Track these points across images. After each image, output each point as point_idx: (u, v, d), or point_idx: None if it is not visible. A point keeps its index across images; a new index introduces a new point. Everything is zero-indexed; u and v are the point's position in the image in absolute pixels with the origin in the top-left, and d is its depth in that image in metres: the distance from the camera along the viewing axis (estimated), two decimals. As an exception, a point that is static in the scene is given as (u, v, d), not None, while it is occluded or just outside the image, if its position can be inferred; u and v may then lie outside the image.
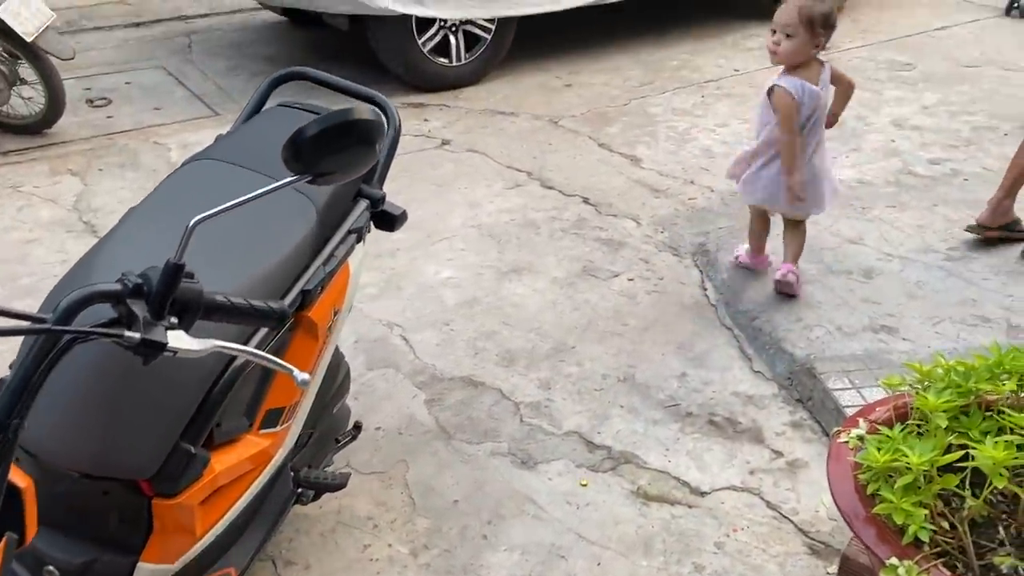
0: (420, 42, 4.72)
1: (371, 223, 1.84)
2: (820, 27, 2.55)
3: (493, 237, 3.36)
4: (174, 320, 1.05)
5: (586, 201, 3.66)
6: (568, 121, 4.51)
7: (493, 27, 4.93)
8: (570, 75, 5.20)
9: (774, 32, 2.60)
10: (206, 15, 6.29)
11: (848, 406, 2.30)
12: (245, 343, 1.37)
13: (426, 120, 4.53)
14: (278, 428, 1.57)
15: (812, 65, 2.67)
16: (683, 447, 2.30)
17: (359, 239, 1.74)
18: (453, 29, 4.81)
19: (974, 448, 1.53)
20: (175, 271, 1.02)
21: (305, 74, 1.91)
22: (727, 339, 2.75)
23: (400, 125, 1.86)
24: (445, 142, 4.25)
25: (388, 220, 1.84)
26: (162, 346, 1.00)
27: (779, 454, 2.27)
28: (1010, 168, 3.11)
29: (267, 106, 1.91)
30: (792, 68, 2.65)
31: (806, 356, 2.54)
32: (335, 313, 1.66)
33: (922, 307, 2.77)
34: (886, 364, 2.46)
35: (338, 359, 1.91)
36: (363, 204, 1.76)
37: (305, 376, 1.11)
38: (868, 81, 5.00)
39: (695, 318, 2.86)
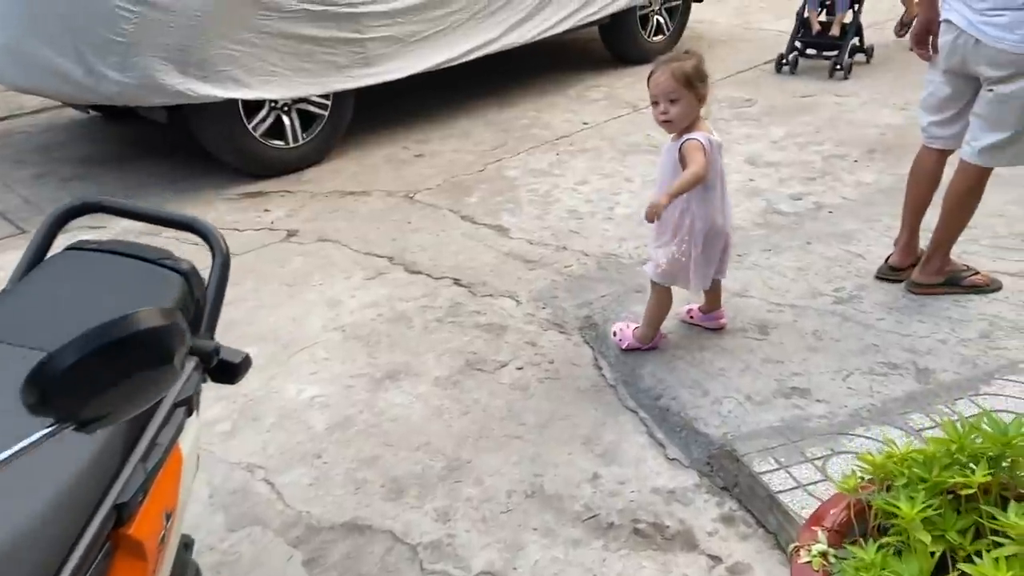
0: (250, 126, 4.34)
1: (206, 379, 1.46)
2: (698, 81, 2.44)
3: (360, 339, 3.00)
4: None
5: (457, 283, 3.37)
6: (425, 195, 4.23)
7: (329, 103, 4.62)
8: (419, 144, 4.94)
9: (656, 103, 2.46)
10: (5, 118, 5.65)
11: (780, 491, 2.08)
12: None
13: (267, 210, 4.13)
14: None
15: (703, 124, 2.53)
16: (612, 569, 2.00)
17: (190, 411, 1.36)
18: (285, 109, 4.46)
19: (960, 557, 1.32)
20: None
21: (99, 204, 1.52)
22: (634, 424, 2.50)
23: (228, 254, 1.50)
24: (292, 233, 3.87)
25: (227, 372, 1.46)
26: None
27: (717, 560, 2.01)
28: (904, 206, 3.06)
29: (53, 250, 1.50)
30: (686, 131, 2.50)
31: (722, 436, 2.32)
32: (168, 518, 1.27)
33: (826, 360, 2.62)
34: (808, 433, 2.28)
35: (183, 562, 1.50)
36: (191, 363, 1.38)
37: None
38: (715, 121, 4.99)
39: (596, 404, 2.60)
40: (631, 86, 5.84)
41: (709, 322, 2.84)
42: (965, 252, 3.28)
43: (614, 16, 5.89)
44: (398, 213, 4.03)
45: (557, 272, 3.40)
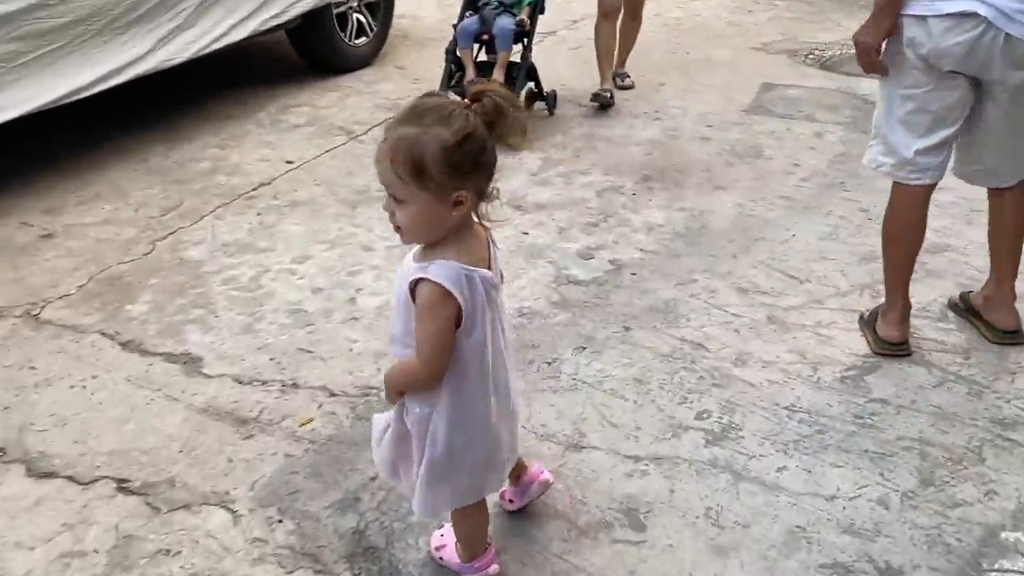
0: None
1: None
2: (442, 171, 1.32)
3: (-66, 672, 1.59)
4: None
5: (124, 486, 2.02)
6: (59, 308, 2.75)
7: None
8: (48, 217, 3.38)
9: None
10: None
11: None
12: None
13: None
14: None
15: (473, 234, 1.46)
16: None
17: None
18: None
19: None
20: None
21: None
22: None
23: None
24: None
25: None
26: None
27: None
28: (892, 268, 2.44)
29: None
30: (430, 251, 1.41)
31: None
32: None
33: (749, 574, 1.72)
34: None
35: None
36: None
37: None
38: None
39: None
40: (339, 103, 4.66)
41: (530, 495, 1.86)
42: (820, 324, 2.60)
43: (305, 17, 4.65)
44: (14, 351, 2.53)
45: (291, 437, 2.18)
